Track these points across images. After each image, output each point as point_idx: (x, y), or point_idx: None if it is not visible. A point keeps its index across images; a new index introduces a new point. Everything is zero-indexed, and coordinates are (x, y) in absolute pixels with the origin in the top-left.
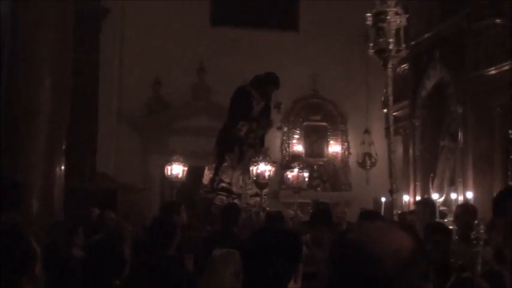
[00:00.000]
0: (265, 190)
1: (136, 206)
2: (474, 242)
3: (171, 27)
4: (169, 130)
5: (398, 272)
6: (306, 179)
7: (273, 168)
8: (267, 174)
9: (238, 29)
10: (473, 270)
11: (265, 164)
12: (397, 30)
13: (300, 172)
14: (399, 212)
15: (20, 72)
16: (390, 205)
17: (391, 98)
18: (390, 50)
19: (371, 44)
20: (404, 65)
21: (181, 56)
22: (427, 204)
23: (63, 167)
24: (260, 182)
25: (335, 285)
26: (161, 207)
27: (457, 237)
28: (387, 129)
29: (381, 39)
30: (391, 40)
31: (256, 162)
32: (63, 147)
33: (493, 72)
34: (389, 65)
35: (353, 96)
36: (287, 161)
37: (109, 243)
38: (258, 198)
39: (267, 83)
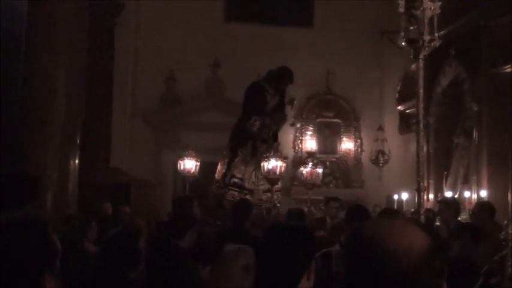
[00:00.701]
0: (278, 186)
1: (149, 201)
2: (503, 243)
3: (185, 23)
4: (183, 125)
5: (412, 269)
6: (320, 175)
7: (284, 164)
8: (278, 170)
9: (252, 25)
10: (503, 274)
11: (276, 160)
12: (430, 19)
13: (314, 168)
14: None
15: (37, 67)
16: (402, 203)
17: (421, 91)
18: (423, 40)
19: (402, 33)
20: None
21: (195, 52)
22: (450, 203)
23: (77, 162)
24: (271, 177)
25: (351, 280)
26: (173, 201)
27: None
28: (417, 123)
29: (412, 28)
30: (424, 29)
31: (267, 158)
32: (78, 142)
33: (508, 70)
34: (421, 56)
35: (366, 93)
36: (299, 157)
37: (125, 237)
38: (269, 194)
39: (281, 77)
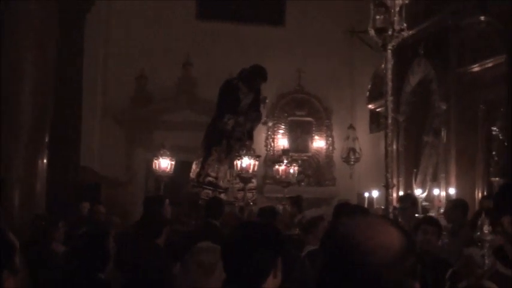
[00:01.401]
0: (253, 184)
1: (119, 200)
2: (479, 243)
3: (157, 21)
4: (154, 124)
5: (386, 267)
6: (296, 174)
7: (257, 163)
8: (251, 168)
9: (224, 23)
10: (479, 275)
11: (249, 158)
12: (400, 8)
13: (289, 166)
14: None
15: (3, 65)
16: (373, 200)
17: (390, 84)
18: (393, 30)
19: (370, 22)
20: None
21: (167, 50)
22: (459, 204)
23: (45, 161)
24: (244, 176)
25: (325, 278)
26: (144, 201)
27: (445, 233)
28: (386, 118)
29: (380, 17)
30: (395, 18)
31: (240, 156)
32: (46, 140)
33: (476, 69)
34: (389, 46)
35: (338, 91)
36: (272, 156)
37: (93, 237)
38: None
39: (254, 75)
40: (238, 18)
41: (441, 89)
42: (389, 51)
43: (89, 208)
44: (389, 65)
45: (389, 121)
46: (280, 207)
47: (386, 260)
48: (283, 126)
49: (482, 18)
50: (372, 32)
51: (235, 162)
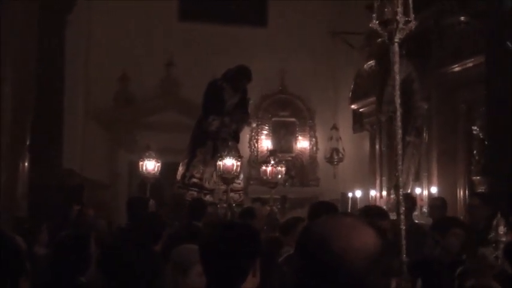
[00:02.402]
0: (240, 186)
1: (102, 202)
2: (493, 244)
3: (139, 21)
4: (137, 125)
5: (361, 268)
6: (283, 174)
7: (239, 163)
8: (233, 169)
9: (206, 24)
10: (483, 276)
11: (231, 159)
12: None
13: (276, 167)
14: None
15: None
16: (356, 200)
17: (397, 77)
18: (398, 21)
19: (374, 15)
20: (372, 61)
21: (149, 51)
22: (488, 199)
23: (27, 163)
24: (225, 176)
25: (300, 279)
26: (128, 202)
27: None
28: (394, 113)
29: (386, 9)
30: (398, 9)
31: (222, 157)
32: (27, 142)
33: (457, 69)
34: (396, 39)
35: (321, 92)
36: (256, 157)
37: (74, 239)
38: (232, 194)
39: (239, 75)
40: (220, 19)
41: (423, 89)
42: (396, 44)
43: (78, 210)
44: (397, 59)
45: (398, 114)
46: (267, 208)
47: (361, 260)
48: (266, 127)
49: (462, 18)
50: (376, 25)
51: (217, 163)
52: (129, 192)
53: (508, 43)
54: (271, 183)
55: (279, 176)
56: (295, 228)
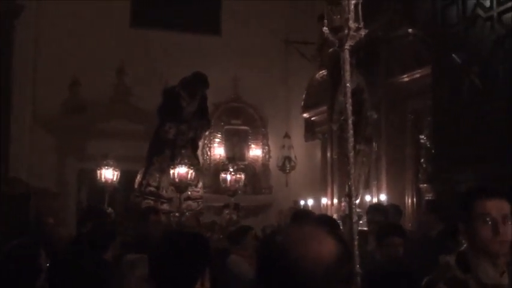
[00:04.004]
0: (198, 194)
1: (50, 211)
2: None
3: (90, 27)
4: (87, 133)
5: (317, 276)
6: (242, 182)
7: (193, 171)
8: (188, 176)
9: (158, 31)
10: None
11: (185, 167)
12: (355, 7)
13: (235, 174)
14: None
15: None
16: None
17: (348, 85)
18: (349, 28)
19: (325, 20)
20: (323, 71)
21: (100, 57)
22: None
23: None
24: (178, 185)
25: (260, 285)
26: (85, 211)
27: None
28: (345, 120)
29: (337, 16)
30: (349, 16)
31: (174, 166)
32: None
33: (405, 79)
34: (347, 46)
35: (273, 100)
36: (208, 165)
37: (22, 250)
38: (190, 202)
39: (195, 82)
40: (173, 27)
41: (372, 98)
42: (346, 51)
43: (36, 220)
44: (347, 67)
45: (350, 122)
46: (226, 217)
47: (318, 268)
48: (219, 135)
49: (409, 30)
50: (327, 32)
51: (171, 172)
52: (78, 201)
53: (454, 55)
54: (230, 191)
55: (239, 184)
56: (245, 236)
